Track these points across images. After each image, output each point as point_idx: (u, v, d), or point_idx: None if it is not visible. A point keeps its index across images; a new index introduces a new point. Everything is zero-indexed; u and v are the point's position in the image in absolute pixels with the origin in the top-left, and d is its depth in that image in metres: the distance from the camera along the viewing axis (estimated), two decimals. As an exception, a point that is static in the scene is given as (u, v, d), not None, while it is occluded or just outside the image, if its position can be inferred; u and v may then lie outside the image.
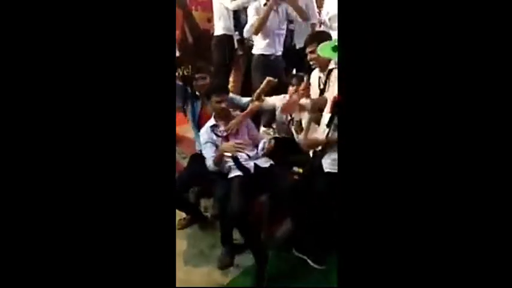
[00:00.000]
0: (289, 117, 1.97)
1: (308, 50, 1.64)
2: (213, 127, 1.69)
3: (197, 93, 1.86)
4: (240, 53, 2.72)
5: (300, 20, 2.33)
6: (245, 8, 2.38)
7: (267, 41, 2.31)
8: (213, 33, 2.64)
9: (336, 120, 1.38)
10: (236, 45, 2.64)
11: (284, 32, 2.39)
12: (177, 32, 3.21)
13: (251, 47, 2.47)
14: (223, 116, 1.70)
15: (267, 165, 1.69)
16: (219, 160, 1.59)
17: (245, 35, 2.39)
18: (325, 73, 1.66)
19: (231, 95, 1.87)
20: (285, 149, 1.88)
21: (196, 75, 1.80)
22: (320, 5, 2.49)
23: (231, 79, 2.89)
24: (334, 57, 1.18)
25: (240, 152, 1.58)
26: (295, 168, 1.86)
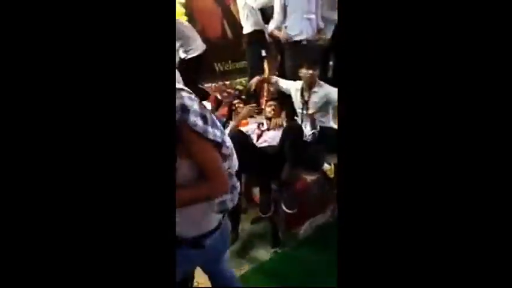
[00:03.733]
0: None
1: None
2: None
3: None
4: (273, 45, 2.71)
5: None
6: (271, 5, 2.38)
7: (298, 26, 2.30)
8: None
9: None
10: (268, 38, 2.63)
11: (314, 16, 2.34)
12: (217, 29, 3.34)
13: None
14: None
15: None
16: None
17: (269, 30, 2.42)
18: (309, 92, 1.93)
19: None
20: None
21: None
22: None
23: (266, 71, 2.92)
24: None
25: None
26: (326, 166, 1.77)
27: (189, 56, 2.42)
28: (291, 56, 2.36)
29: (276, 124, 1.82)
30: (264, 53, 2.71)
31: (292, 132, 1.65)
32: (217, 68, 3.32)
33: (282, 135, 1.69)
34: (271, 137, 1.82)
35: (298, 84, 2.06)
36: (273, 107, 2.04)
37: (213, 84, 3.22)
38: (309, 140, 1.82)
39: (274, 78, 2.12)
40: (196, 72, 2.55)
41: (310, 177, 1.73)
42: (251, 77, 2.70)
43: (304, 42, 2.33)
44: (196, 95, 0.82)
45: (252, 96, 2.66)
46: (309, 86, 1.97)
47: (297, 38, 2.31)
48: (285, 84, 2.15)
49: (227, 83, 3.32)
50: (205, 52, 2.49)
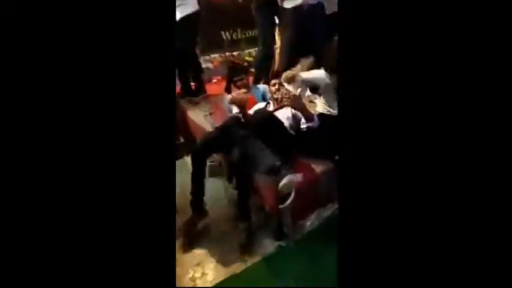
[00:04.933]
0: None
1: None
2: None
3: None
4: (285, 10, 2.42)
5: None
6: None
7: None
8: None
9: None
10: (280, 3, 2.33)
11: None
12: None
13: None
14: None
15: None
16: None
17: None
18: None
19: None
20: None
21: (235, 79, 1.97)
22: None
23: (277, 41, 2.65)
24: None
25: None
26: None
27: (180, 16, 2.10)
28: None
29: (283, 96, 1.57)
30: (277, 20, 2.43)
31: (262, 124, 1.51)
32: (224, 37, 3.05)
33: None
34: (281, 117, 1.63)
35: (326, 74, 1.61)
36: (277, 86, 1.82)
37: (219, 55, 2.98)
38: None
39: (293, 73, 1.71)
40: (190, 38, 2.27)
41: (319, 168, 1.56)
42: (262, 48, 2.46)
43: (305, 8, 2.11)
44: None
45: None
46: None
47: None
48: (309, 75, 1.69)
49: (235, 53, 3.06)
50: (198, 15, 2.18)
